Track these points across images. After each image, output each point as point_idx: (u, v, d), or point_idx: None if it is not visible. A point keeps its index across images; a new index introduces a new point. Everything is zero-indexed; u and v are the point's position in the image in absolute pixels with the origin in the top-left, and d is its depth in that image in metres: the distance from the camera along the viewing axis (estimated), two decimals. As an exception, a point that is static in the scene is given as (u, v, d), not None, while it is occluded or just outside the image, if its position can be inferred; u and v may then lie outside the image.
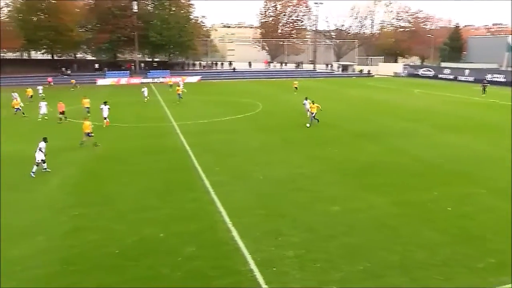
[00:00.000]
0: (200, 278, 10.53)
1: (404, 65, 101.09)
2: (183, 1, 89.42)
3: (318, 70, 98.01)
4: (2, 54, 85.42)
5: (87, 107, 34.65)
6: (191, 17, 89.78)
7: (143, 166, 20.54)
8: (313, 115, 29.69)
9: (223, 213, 14.34)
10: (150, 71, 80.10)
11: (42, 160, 18.81)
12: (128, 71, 79.47)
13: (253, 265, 10.92)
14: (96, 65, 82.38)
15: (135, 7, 77.98)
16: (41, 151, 18.76)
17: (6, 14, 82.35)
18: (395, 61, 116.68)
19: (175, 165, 20.87)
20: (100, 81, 73.05)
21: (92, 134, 24.24)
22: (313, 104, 29.97)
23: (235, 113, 36.61)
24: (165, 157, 22.31)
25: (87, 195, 16.72)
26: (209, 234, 12.89)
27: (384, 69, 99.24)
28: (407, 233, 12.87)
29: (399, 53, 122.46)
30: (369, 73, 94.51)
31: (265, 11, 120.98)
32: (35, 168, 18.64)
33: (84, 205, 15.51)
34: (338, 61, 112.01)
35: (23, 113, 35.26)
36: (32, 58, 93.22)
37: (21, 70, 75.88)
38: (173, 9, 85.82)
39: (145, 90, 46.43)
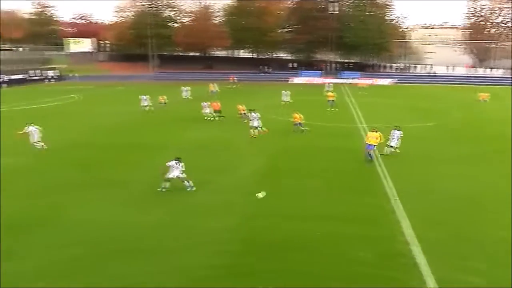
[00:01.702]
0: (366, 286, 10.31)
1: None
2: (382, 2, 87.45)
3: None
4: (215, 53, 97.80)
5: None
6: (389, 18, 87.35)
7: (327, 164, 21.04)
8: (371, 148, 21.20)
9: (403, 224, 13.66)
10: (342, 71, 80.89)
11: (176, 176, 16.66)
12: (320, 71, 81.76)
13: (432, 285, 10.15)
14: (291, 64, 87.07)
15: (335, 9, 79.46)
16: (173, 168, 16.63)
17: (219, 16, 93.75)
18: None
19: (358, 167, 20.71)
20: (295, 80, 77.04)
21: (302, 123, 27.77)
22: (375, 132, 21.42)
23: (426, 119, 34.37)
24: (348, 157, 22.34)
25: (268, 186, 17.70)
26: (385, 243, 12.45)
27: None
28: None
29: None
30: None
31: (474, 10, 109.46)
32: (167, 184, 16.83)
33: (269, 194, 16.68)
34: None
35: (146, 110, 38.97)
36: (236, 56, 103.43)
37: (228, 66, 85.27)
38: (372, 9, 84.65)
39: (287, 94, 44.17)
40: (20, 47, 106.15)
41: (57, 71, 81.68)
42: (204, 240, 12.65)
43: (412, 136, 27.87)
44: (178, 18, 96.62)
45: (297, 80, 77.01)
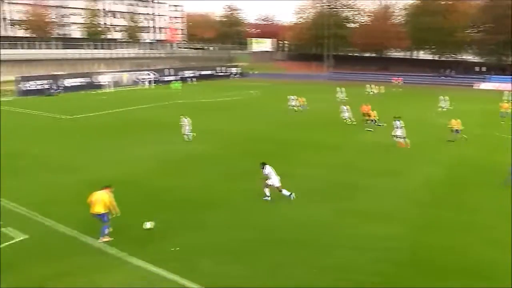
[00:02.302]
0: None
1: None
2: None
3: None
4: (392, 54, 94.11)
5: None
6: None
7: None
8: None
9: None
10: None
11: (276, 187, 15.73)
12: (514, 77, 71.69)
13: None
14: (478, 68, 78.42)
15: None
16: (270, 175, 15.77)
17: (399, 16, 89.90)
18: None
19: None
20: (481, 85, 68.91)
21: (459, 130, 26.30)
22: None
23: None
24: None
25: (446, 197, 16.52)
26: None
27: None
28: None
29: None
30: None
31: None
32: (285, 192, 15.79)
33: (441, 207, 15.43)
34: None
35: (295, 110, 38.32)
36: (414, 57, 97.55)
37: (405, 68, 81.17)
38: None
39: (445, 100, 39.33)
40: (211, 46, 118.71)
41: (240, 68, 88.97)
42: (365, 245, 12.26)
43: None
44: (355, 18, 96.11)
45: (484, 85, 68.70)
